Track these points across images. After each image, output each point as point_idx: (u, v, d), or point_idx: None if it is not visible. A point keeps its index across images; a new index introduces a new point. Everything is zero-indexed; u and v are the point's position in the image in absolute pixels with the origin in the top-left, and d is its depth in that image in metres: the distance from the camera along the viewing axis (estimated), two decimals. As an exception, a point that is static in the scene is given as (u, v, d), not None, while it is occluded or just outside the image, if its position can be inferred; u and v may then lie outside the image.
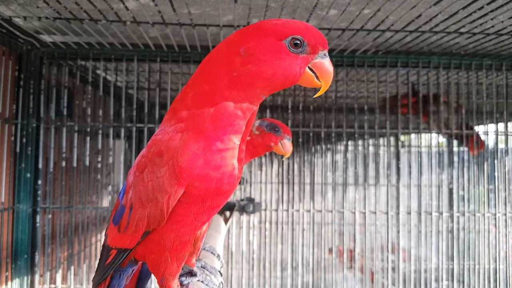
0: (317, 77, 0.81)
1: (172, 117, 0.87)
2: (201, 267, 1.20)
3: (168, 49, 2.15)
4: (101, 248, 1.10)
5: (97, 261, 1.12)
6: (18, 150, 2.09)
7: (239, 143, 0.84)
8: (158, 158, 0.84)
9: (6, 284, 2.02)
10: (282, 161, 2.49)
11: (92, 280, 1.08)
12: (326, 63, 0.80)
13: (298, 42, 0.76)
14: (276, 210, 2.36)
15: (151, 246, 0.94)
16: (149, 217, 0.88)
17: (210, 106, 0.80)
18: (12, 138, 2.07)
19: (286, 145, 1.43)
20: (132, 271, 1.13)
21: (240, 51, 0.77)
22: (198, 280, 1.09)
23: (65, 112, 2.19)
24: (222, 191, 0.84)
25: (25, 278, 2.10)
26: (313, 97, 1.25)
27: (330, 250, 2.56)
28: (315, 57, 0.79)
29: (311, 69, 0.80)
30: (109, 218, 1.11)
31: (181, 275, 1.10)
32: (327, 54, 0.81)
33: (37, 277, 2.12)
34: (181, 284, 1.07)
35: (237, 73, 0.78)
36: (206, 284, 1.09)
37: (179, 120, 0.84)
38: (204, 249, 1.23)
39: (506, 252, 2.31)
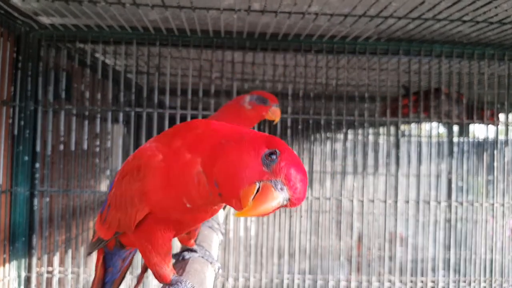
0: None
1: (168, 135, 0.87)
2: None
3: (168, 33, 2.13)
4: None
5: None
6: (16, 132, 2.07)
7: (190, 206, 0.82)
8: (136, 171, 0.86)
9: (4, 266, 2.02)
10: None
11: (86, 253, 1.15)
12: (273, 196, 0.69)
13: (274, 156, 0.71)
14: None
15: (130, 239, 0.98)
16: (119, 221, 0.92)
17: (192, 153, 0.79)
18: (10, 121, 2.05)
19: (275, 112, 1.64)
20: (126, 255, 1.16)
21: (234, 137, 0.76)
22: (198, 256, 1.15)
23: (63, 95, 2.17)
24: (185, 222, 0.88)
25: (23, 260, 2.10)
26: (234, 214, 1.16)
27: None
28: (270, 180, 0.70)
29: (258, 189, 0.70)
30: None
31: (182, 251, 1.17)
32: (284, 189, 0.70)
33: (34, 259, 2.12)
34: (183, 258, 1.14)
35: (220, 144, 0.76)
36: (206, 259, 1.16)
37: (169, 144, 0.83)
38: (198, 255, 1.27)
39: (502, 242, 2.32)
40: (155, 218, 0.87)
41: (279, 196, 0.69)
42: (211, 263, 1.21)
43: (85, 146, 2.21)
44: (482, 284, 2.35)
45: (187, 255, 1.18)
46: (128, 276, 2.27)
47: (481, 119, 2.35)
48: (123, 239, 1.03)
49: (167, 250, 0.93)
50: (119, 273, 1.19)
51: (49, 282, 2.17)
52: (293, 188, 0.70)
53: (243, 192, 0.70)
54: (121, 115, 2.23)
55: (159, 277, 0.94)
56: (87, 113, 2.19)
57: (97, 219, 1.05)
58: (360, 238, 2.44)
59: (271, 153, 0.70)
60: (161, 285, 0.96)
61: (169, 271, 0.93)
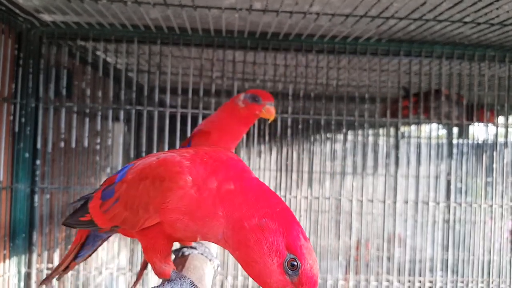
0: None
1: (208, 164, 0.87)
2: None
3: (169, 31, 2.13)
4: (85, 201, 1.13)
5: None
6: (17, 129, 2.08)
7: (200, 239, 0.90)
8: (158, 181, 0.86)
9: (4, 262, 2.03)
10: (281, 149, 2.49)
11: (64, 221, 1.14)
12: None
13: (295, 264, 0.75)
14: (274, 197, 2.37)
15: (133, 234, 0.99)
16: (125, 219, 0.93)
17: (223, 211, 0.81)
18: (11, 118, 2.06)
19: (269, 110, 1.59)
20: (109, 237, 1.19)
21: (261, 221, 0.77)
22: (198, 253, 1.18)
23: (64, 93, 2.18)
24: (187, 239, 0.94)
25: (23, 256, 2.11)
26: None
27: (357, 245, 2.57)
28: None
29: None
30: (103, 183, 1.13)
31: (182, 247, 1.20)
32: None
33: (35, 256, 2.13)
34: (183, 255, 1.17)
35: (244, 229, 0.78)
36: (206, 256, 1.19)
37: (205, 177, 0.84)
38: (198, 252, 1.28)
39: (500, 244, 2.33)
40: (161, 229, 0.89)
41: None
42: (210, 260, 1.23)
43: (86, 144, 2.21)
44: (480, 285, 2.36)
45: (186, 251, 1.21)
46: (127, 273, 2.28)
47: (481, 120, 2.36)
48: (121, 231, 1.04)
49: (168, 253, 0.95)
50: (94, 250, 1.21)
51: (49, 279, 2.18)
52: None
53: None
54: (122, 113, 2.23)
55: (159, 273, 0.95)
56: (88, 110, 2.20)
57: (96, 203, 1.04)
58: (359, 241, 2.45)
59: (292, 264, 0.75)
60: (160, 281, 0.97)
61: (168, 268, 0.95)
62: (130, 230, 0.95)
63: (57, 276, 1.27)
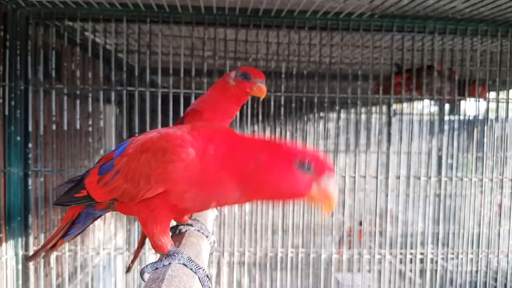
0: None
1: (204, 136, 0.93)
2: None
3: (159, 9, 2.09)
4: (79, 178, 1.14)
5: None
6: (7, 113, 2.05)
7: (214, 207, 0.94)
8: (160, 153, 0.90)
9: (1, 245, 2.05)
10: (275, 128, 2.50)
11: (58, 199, 1.16)
12: (330, 185, 0.87)
13: (306, 164, 0.86)
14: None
15: (130, 207, 0.99)
16: (125, 191, 0.95)
17: (227, 172, 0.88)
18: (0, 101, 2.03)
19: (260, 88, 1.56)
20: (100, 216, 1.19)
21: (256, 158, 0.87)
22: (194, 229, 1.19)
23: (53, 75, 2.14)
24: (192, 210, 0.97)
25: (19, 240, 2.13)
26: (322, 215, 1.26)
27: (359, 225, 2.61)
28: (320, 177, 0.87)
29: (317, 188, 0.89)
30: (98, 160, 1.13)
31: (179, 225, 1.21)
32: (332, 176, 0.89)
33: (31, 238, 2.15)
34: (180, 231, 1.18)
35: (249, 173, 0.87)
36: (202, 233, 1.20)
37: (204, 146, 0.90)
38: (194, 229, 1.29)
39: (490, 217, 2.39)
40: (162, 200, 0.91)
41: (332, 183, 0.87)
42: (206, 236, 1.25)
43: (78, 126, 2.20)
44: (470, 256, 2.43)
45: (183, 228, 1.21)
46: (125, 253, 2.31)
47: (472, 95, 2.37)
48: (119, 205, 1.05)
49: (167, 225, 0.97)
50: (83, 229, 1.22)
51: (46, 260, 2.20)
52: (332, 171, 0.89)
53: (311, 198, 0.88)
54: (113, 95, 2.21)
55: (156, 247, 0.96)
56: (78, 92, 2.17)
57: (93, 178, 1.04)
58: (361, 222, 2.49)
59: (303, 164, 0.86)
60: (158, 255, 0.99)
61: (167, 241, 0.96)
62: (129, 203, 0.96)
63: (43, 254, 1.28)
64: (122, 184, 0.95)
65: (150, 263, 0.95)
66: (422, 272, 2.42)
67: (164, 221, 0.95)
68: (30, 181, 2.13)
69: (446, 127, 2.56)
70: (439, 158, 2.51)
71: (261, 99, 1.65)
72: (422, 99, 2.43)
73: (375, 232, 2.34)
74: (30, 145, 2.12)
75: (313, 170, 0.87)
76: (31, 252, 2.14)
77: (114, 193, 0.98)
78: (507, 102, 2.41)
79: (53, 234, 1.22)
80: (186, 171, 0.87)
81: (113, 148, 2.24)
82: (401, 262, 2.40)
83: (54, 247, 1.24)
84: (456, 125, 2.65)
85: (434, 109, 2.94)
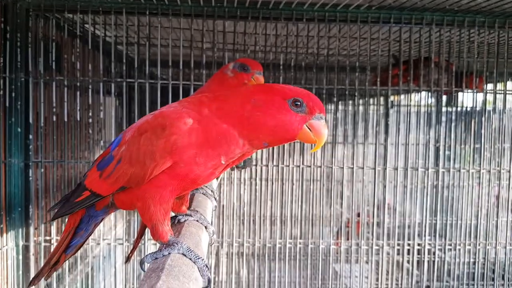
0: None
1: (194, 103, 0.97)
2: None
3: (158, 1, 2.10)
4: (76, 185, 1.15)
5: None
6: (7, 104, 2.07)
7: (224, 163, 0.96)
8: (159, 129, 0.93)
9: (2, 236, 2.07)
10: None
11: (56, 212, 1.15)
12: (322, 124, 0.93)
13: (299, 103, 0.91)
14: (267, 166, 2.41)
15: (133, 196, 1.00)
16: (131, 175, 0.96)
17: (226, 123, 0.93)
18: (1, 92, 2.05)
19: (258, 79, 1.60)
20: (102, 219, 1.20)
21: (251, 100, 0.92)
22: (194, 219, 1.19)
23: (53, 67, 2.16)
24: (201, 177, 0.98)
25: (20, 230, 2.15)
26: (311, 151, 1.26)
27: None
28: (312, 117, 0.92)
29: (309, 128, 0.94)
30: (93, 161, 1.14)
31: (178, 215, 1.20)
32: (323, 117, 0.94)
33: (32, 229, 2.17)
34: (179, 221, 1.18)
35: (247, 115, 0.92)
36: (201, 223, 1.20)
37: (198, 111, 0.95)
38: (193, 219, 1.30)
39: (487, 208, 2.40)
40: (171, 175, 0.94)
41: (323, 122, 0.93)
42: (205, 226, 1.25)
43: (78, 118, 2.21)
44: (467, 247, 2.44)
45: (182, 218, 1.20)
46: (124, 243, 2.33)
47: (470, 87, 2.38)
48: (121, 197, 1.05)
49: (169, 208, 0.98)
50: (86, 238, 1.21)
51: (47, 250, 2.22)
52: (323, 111, 0.94)
53: (303, 136, 0.93)
54: (112, 86, 2.23)
55: (156, 234, 0.96)
56: (78, 84, 2.19)
57: (94, 176, 1.06)
58: (359, 215, 2.50)
59: (296, 103, 0.91)
60: (158, 245, 0.99)
61: (167, 230, 0.97)
62: (136, 187, 0.97)
63: (45, 275, 1.24)
64: (128, 169, 0.97)
65: (149, 253, 0.95)
66: (420, 263, 2.44)
67: (167, 204, 0.96)
68: (30, 172, 2.15)
69: (443, 118, 2.57)
70: (437, 150, 2.52)
71: None
72: (419, 90, 2.43)
73: (373, 223, 2.36)
74: (30, 136, 2.14)
75: (305, 109, 0.91)
76: (31, 243, 2.16)
77: (120, 181, 0.99)
78: (505, 94, 2.42)
79: (56, 249, 1.20)
80: (189, 138, 0.91)
81: (113, 139, 2.26)
82: (398, 253, 2.42)
83: (57, 263, 1.22)
84: (453, 117, 2.66)
85: (432, 100, 2.95)
